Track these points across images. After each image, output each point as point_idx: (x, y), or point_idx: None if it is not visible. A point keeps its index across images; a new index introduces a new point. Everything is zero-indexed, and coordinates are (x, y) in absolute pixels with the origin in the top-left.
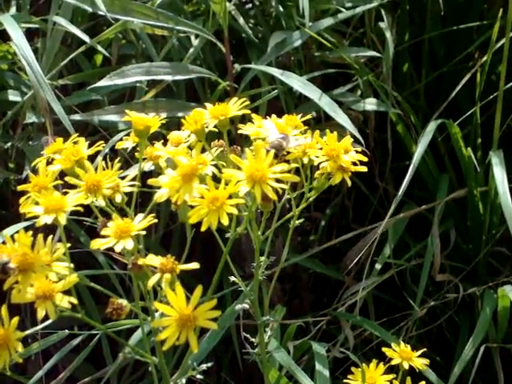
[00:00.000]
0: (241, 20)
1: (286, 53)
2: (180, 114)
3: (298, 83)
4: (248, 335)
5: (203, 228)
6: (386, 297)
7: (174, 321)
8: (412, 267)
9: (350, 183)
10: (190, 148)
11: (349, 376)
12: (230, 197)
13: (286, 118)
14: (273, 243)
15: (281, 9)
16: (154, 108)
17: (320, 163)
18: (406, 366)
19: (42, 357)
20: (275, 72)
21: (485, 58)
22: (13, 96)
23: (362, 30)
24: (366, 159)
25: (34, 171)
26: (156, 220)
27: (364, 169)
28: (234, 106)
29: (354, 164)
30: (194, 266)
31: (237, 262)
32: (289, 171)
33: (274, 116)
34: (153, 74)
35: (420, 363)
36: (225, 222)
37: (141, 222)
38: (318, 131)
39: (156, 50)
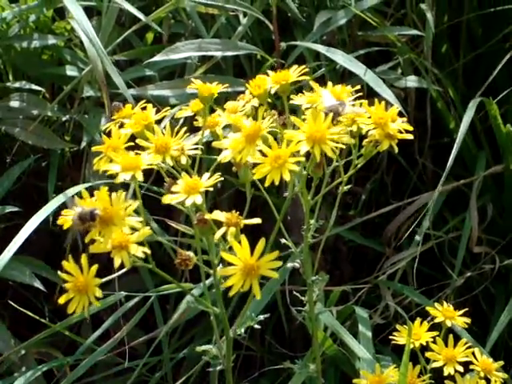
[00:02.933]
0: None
1: (330, 32)
2: (229, 90)
3: (344, 59)
4: (297, 294)
5: (266, 184)
6: (425, 268)
7: (239, 270)
8: (449, 240)
9: (396, 150)
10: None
11: (394, 333)
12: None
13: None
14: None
15: None
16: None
17: (368, 132)
18: (448, 323)
19: (92, 321)
20: (321, 48)
21: None
22: (70, 71)
23: (403, 11)
24: (411, 128)
25: (90, 143)
26: (222, 178)
27: (410, 136)
28: (294, 73)
29: (400, 132)
30: (256, 220)
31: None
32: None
33: (330, 84)
34: (204, 50)
35: (462, 321)
36: (287, 177)
37: (208, 179)
38: (365, 101)
39: (205, 29)
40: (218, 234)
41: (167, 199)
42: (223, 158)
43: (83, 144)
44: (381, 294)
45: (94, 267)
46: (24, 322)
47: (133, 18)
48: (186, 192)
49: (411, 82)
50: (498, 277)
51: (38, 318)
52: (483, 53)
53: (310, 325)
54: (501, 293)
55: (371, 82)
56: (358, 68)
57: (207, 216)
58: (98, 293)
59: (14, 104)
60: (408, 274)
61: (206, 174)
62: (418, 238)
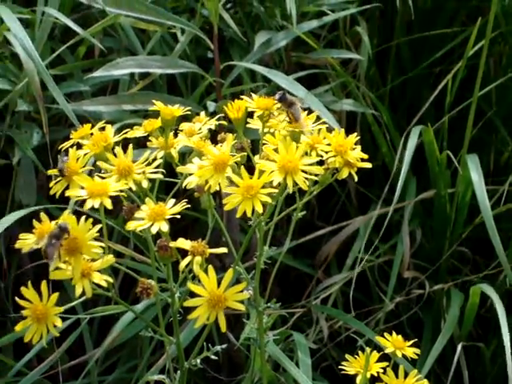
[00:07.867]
0: (228, 18)
1: (268, 53)
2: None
3: (285, 81)
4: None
5: (238, 215)
6: (353, 293)
7: (205, 301)
8: (379, 265)
9: (356, 178)
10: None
11: (343, 363)
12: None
13: None
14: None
15: (261, 9)
16: (142, 101)
17: (324, 159)
18: (399, 354)
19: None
20: (262, 70)
21: (460, 65)
22: (1, 84)
23: (335, 33)
24: (366, 156)
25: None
26: (189, 205)
27: (368, 165)
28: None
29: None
30: (223, 250)
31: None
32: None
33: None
34: (145, 67)
35: (412, 352)
36: (259, 209)
37: (174, 206)
38: (324, 127)
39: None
40: (184, 262)
41: (131, 225)
42: (188, 183)
43: (15, 159)
44: (311, 319)
45: (55, 295)
46: None
47: (64, 32)
48: (151, 219)
49: (348, 105)
50: (425, 302)
51: None
52: (410, 78)
53: (253, 352)
54: (428, 318)
55: (313, 105)
56: (299, 90)
57: (172, 244)
58: (58, 322)
59: None
60: (337, 299)
61: (172, 201)
62: (349, 261)
